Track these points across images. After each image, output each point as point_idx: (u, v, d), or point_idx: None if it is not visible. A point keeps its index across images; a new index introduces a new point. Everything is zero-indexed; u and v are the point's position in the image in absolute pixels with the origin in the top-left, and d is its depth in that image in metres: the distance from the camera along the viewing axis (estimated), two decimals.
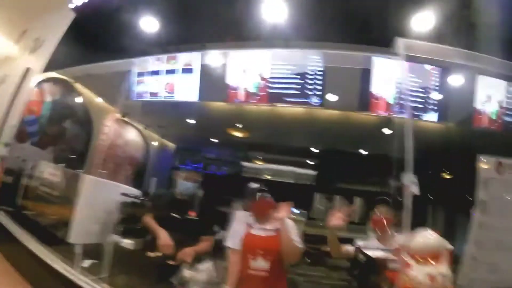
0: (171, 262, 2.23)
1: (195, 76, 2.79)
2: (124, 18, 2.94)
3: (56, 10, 4.05)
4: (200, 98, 2.79)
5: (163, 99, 2.89)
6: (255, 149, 4.02)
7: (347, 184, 4.01)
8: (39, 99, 4.29)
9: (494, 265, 1.63)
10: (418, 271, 1.47)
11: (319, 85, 2.58)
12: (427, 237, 1.60)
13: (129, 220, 2.76)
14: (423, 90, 2.59)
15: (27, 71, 4.16)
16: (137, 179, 4.33)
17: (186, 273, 1.96)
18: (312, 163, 4.19)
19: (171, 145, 4.59)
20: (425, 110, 2.62)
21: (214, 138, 4.18)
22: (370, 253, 2.23)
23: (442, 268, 1.46)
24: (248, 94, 2.66)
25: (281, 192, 3.77)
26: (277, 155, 4.11)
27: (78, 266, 2.32)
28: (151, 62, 2.94)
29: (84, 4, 3.56)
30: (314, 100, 2.59)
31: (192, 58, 2.80)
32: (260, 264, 1.98)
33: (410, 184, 3.37)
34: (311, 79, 2.60)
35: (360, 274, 2.43)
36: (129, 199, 2.89)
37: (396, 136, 1.91)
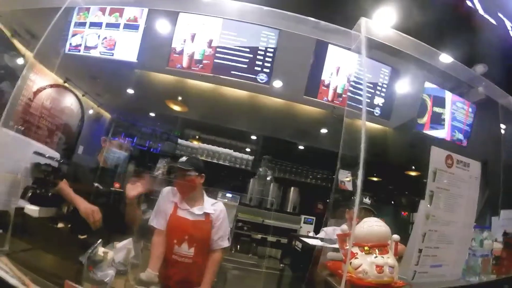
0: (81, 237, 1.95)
1: (138, 34, 2.55)
2: None
3: None
4: (139, 59, 2.53)
5: (100, 55, 2.60)
6: (193, 127, 3.84)
7: (283, 173, 4.04)
8: None
9: (437, 258, 1.62)
10: (363, 260, 1.39)
11: (268, 63, 2.48)
12: (373, 224, 1.54)
13: (40, 185, 2.40)
14: (371, 85, 2.62)
15: None
16: (68, 148, 3.90)
17: (99, 250, 1.67)
18: (250, 148, 4.10)
19: (107, 115, 4.23)
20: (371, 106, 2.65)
21: (152, 112, 3.93)
22: (308, 241, 2.16)
23: (389, 259, 1.40)
24: (192, 61, 2.48)
25: (216, 173, 3.66)
26: (216, 136, 3.98)
27: None
28: (92, 12, 2.65)
29: None
30: (261, 77, 2.47)
31: (138, 13, 2.57)
32: (184, 250, 1.94)
33: (345, 180, 3.42)
34: (261, 56, 2.49)
35: (294, 262, 2.35)
36: (43, 160, 2.51)
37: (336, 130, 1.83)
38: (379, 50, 2.45)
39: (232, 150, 4.00)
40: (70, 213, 2.30)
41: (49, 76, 3.61)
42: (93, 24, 2.64)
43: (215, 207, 2.13)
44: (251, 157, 3.99)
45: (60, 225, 2.32)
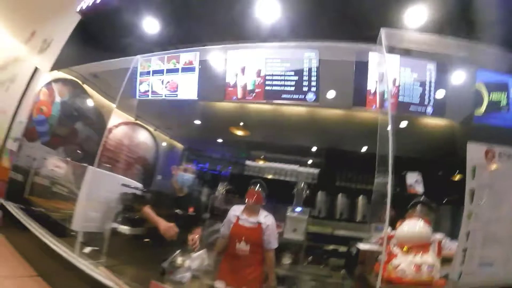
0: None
1: (195, 75, 2.89)
2: (127, 18, 3.06)
3: (63, 12, 4.22)
4: (199, 96, 2.87)
5: (164, 97, 2.99)
6: (257, 148, 4.07)
7: (349, 182, 4.06)
8: (48, 99, 4.45)
9: (485, 258, 1.58)
10: (402, 260, 1.47)
11: (314, 81, 2.64)
12: (413, 226, 1.63)
13: (128, 210, 2.93)
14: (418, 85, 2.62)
15: (36, 70, 4.33)
16: (147, 178, 4.46)
17: (179, 259, 2.05)
18: (314, 161, 4.21)
19: (179, 145, 4.71)
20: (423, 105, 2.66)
21: (218, 138, 4.25)
22: (360, 246, 2.38)
23: (428, 258, 1.46)
24: (245, 91, 2.74)
25: (283, 190, 3.87)
26: (279, 154, 4.16)
27: (79, 251, 2.44)
28: (153, 62, 3.05)
29: (89, 7, 3.72)
30: (309, 96, 2.64)
31: (192, 57, 2.90)
32: (243, 246, 2.60)
33: (414, 182, 3.40)
34: (306, 76, 2.66)
35: (349, 266, 2.62)
36: (129, 190, 3.02)
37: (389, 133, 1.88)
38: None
39: (297, 165, 4.13)
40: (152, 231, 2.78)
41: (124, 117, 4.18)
42: (155, 72, 3.05)
43: (265, 219, 2.74)
44: (316, 170, 4.07)
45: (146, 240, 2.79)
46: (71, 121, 4.62)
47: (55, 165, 3.46)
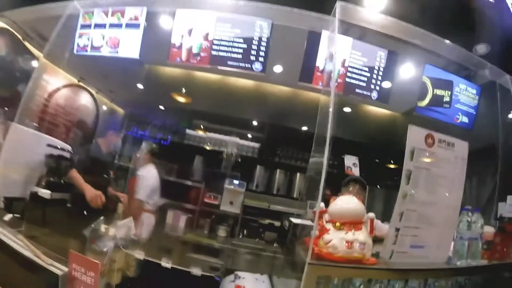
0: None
1: (139, 32, 2.69)
2: None
3: None
4: (141, 55, 2.67)
5: (104, 54, 2.76)
6: (200, 117, 3.96)
7: (288, 159, 4.08)
8: None
9: (418, 239, 1.60)
10: (334, 236, 1.43)
11: (262, 51, 2.54)
12: (347, 202, 1.58)
13: (53, 173, 2.68)
14: (366, 69, 2.59)
15: None
16: (85, 142, 4.19)
17: (102, 226, 1.87)
18: (256, 135, 4.17)
19: (120, 110, 4.46)
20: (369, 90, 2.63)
21: (161, 105, 4.08)
22: (293, 220, 2.33)
23: (360, 236, 1.43)
24: (190, 54, 2.58)
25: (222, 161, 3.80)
26: (222, 125, 4.09)
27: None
28: (96, 14, 2.81)
29: None
30: (256, 66, 2.54)
31: (138, 12, 2.70)
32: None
33: (352, 165, 3.42)
34: (255, 45, 2.55)
35: (282, 240, 2.55)
36: (55, 152, 2.76)
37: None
38: (374, 34, 2.47)
39: (238, 138, 4.10)
40: (76, 196, 2.57)
41: (63, 76, 3.87)
42: (97, 26, 2.81)
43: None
44: (257, 145, 4.06)
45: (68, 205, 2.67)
46: (12, 82, 4.25)
47: None
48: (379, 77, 2.62)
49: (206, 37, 2.58)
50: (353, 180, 2.71)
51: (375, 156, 3.59)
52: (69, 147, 2.95)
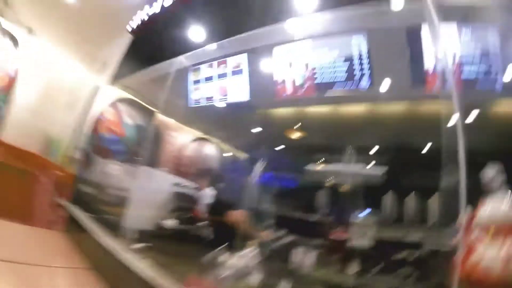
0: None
1: (245, 76, 2.96)
2: (173, 30, 3.28)
3: (118, 34, 4.68)
4: (251, 97, 2.94)
5: (217, 102, 3.12)
6: (319, 152, 3.88)
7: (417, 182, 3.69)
8: (116, 119, 4.92)
9: None
10: (487, 253, 1.15)
11: (365, 66, 2.53)
12: (498, 204, 1.28)
13: (179, 209, 3.09)
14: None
15: (96, 87, 4.88)
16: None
17: (222, 255, 1.96)
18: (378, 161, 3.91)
19: (243, 155, 4.89)
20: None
21: (280, 145, 4.27)
22: None
23: None
24: (295, 87, 2.73)
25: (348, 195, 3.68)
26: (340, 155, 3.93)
27: (130, 247, 2.60)
28: (204, 69, 3.20)
29: (138, 25, 4.08)
30: (363, 83, 2.54)
31: (240, 60, 2.98)
32: None
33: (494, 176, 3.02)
34: (356, 61, 2.55)
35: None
36: (181, 190, 3.16)
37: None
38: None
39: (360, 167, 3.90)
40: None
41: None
42: (207, 79, 3.20)
43: None
44: (381, 171, 3.80)
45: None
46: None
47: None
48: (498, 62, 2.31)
49: (306, 67, 2.71)
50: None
51: None
52: (192, 185, 3.36)
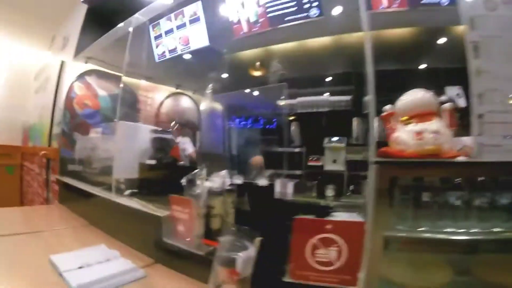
0: None
1: (202, 23, 3.06)
2: None
3: (74, 7, 4.62)
4: (210, 41, 3.05)
5: (181, 52, 3.23)
6: (288, 87, 4.00)
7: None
8: (89, 93, 4.94)
9: (509, 126, 1.30)
10: (402, 132, 1.30)
11: None
12: (413, 93, 1.41)
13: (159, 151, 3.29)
14: None
15: (62, 63, 4.89)
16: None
17: (198, 177, 2.00)
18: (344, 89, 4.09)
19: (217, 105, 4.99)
20: None
21: (250, 88, 4.29)
22: None
23: (432, 125, 1.25)
24: (250, 24, 2.86)
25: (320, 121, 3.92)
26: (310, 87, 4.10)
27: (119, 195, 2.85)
28: (163, 23, 3.27)
29: None
30: (313, 12, 2.69)
31: (195, 8, 3.06)
32: None
33: (455, 97, 3.29)
34: None
35: None
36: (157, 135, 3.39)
37: None
38: None
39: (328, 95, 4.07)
40: None
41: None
42: (167, 32, 3.28)
43: None
44: (347, 97, 4.00)
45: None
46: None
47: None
48: None
49: (258, 3, 2.83)
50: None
51: None
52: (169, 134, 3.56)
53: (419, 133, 1.23)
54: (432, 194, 1.39)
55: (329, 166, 3.89)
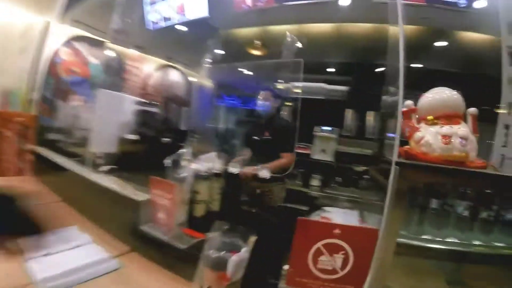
0: None
1: None
2: None
3: None
4: (209, 12, 2.82)
5: (177, 22, 2.98)
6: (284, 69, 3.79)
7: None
8: (77, 60, 4.62)
9: None
10: (427, 132, 1.16)
11: None
12: (440, 91, 1.24)
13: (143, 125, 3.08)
14: None
15: (47, 27, 4.49)
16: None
17: (183, 158, 1.84)
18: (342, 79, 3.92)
19: (208, 81, 4.76)
20: None
21: (245, 68, 4.14)
22: None
23: (460, 129, 1.12)
24: None
25: (312, 109, 3.75)
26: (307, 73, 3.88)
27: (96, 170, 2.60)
28: None
29: None
30: None
31: None
32: None
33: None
34: None
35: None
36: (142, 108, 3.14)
37: None
38: None
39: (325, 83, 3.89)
40: None
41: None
42: None
43: None
44: (344, 88, 3.85)
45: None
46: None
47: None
48: None
49: None
50: None
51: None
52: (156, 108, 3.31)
53: (447, 136, 1.09)
54: (441, 201, 1.33)
55: (317, 155, 3.73)
